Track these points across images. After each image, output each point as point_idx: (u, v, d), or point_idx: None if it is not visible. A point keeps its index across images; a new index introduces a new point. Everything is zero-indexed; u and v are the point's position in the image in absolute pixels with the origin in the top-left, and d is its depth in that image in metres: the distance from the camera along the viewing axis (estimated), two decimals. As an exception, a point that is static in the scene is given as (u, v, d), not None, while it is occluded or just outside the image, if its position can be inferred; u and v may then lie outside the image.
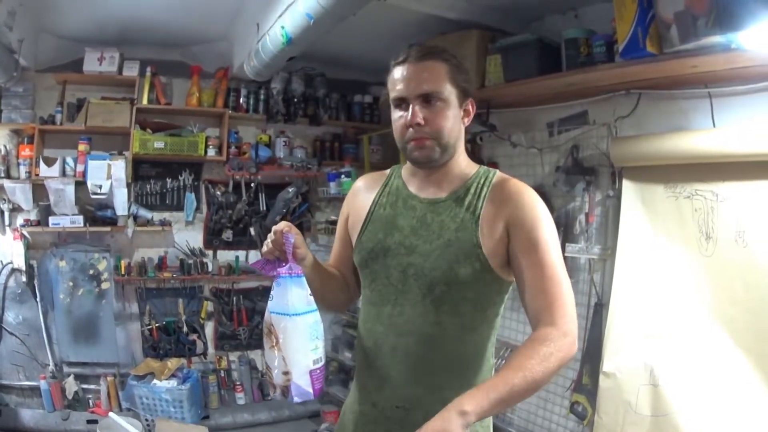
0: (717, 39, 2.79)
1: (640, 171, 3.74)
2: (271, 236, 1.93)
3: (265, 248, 1.95)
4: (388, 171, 2.25)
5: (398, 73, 1.96)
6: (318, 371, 1.88)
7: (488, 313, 1.97)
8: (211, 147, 5.85)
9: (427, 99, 1.91)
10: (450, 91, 1.94)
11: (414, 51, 1.97)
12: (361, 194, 2.23)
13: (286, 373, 1.85)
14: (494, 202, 1.93)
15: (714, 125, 3.39)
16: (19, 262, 5.26)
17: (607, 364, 3.77)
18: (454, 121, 1.96)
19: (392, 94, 1.99)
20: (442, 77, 1.93)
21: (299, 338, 1.85)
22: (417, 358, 1.95)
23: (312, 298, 1.90)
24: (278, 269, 1.90)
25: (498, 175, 2.03)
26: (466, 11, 4.33)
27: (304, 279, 1.91)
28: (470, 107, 2.04)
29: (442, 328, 1.91)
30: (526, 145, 4.60)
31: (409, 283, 1.94)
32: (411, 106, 1.92)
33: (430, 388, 1.94)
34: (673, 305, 3.49)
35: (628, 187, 3.81)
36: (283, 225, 1.93)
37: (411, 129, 1.93)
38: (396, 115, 1.99)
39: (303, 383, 1.85)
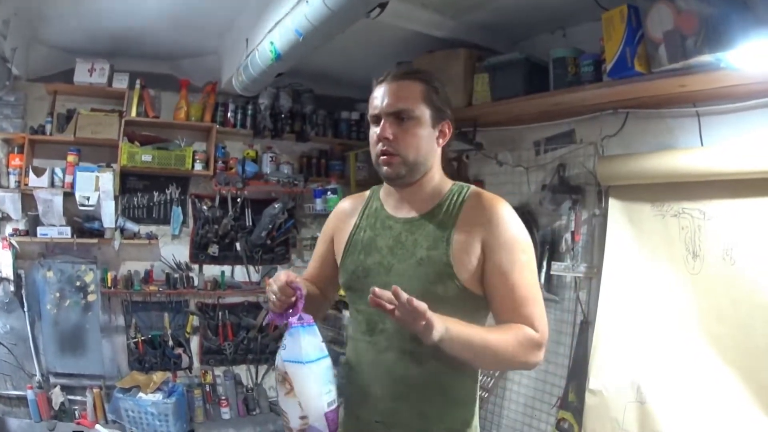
0: (706, 58, 2.83)
1: (627, 190, 3.77)
2: (274, 290, 1.95)
3: (271, 305, 1.98)
4: (367, 192, 2.31)
5: (377, 91, 2.04)
6: (333, 412, 1.92)
7: None
8: (198, 161, 5.84)
9: (399, 116, 1.97)
10: (423, 111, 1.99)
11: (393, 71, 2.05)
12: (344, 217, 2.29)
13: (303, 417, 1.89)
14: (468, 219, 1.98)
15: (702, 144, 3.43)
16: (7, 272, 5.22)
17: (594, 381, 3.79)
18: (425, 141, 2.02)
19: (369, 111, 2.06)
20: (415, 96, 1.99)
21: (314, 384, 1.89)
22: (397, 374, 1.99)
23: (324, 344, 1.94)
24: (290, 320, 1.93)
25: (471, 190, 2.08)
26: (454, 30, 4.35)
27: (315, 327, 1.95)
28: (446, 128, 2.09)
29: (421, 345, 1.90)
30: (512, 163, 4.63)
31: None
32: (382, 122, 1.98)
33: (409, 403, 1.98)
34: (659, 323, 3.51)
35: (614, 205, 3.84)
36: (285, 276, 1.95)
37: (380, 143, 1.99)
38: (371, 131, 2.05)
39: (320, 425, 1.89)
